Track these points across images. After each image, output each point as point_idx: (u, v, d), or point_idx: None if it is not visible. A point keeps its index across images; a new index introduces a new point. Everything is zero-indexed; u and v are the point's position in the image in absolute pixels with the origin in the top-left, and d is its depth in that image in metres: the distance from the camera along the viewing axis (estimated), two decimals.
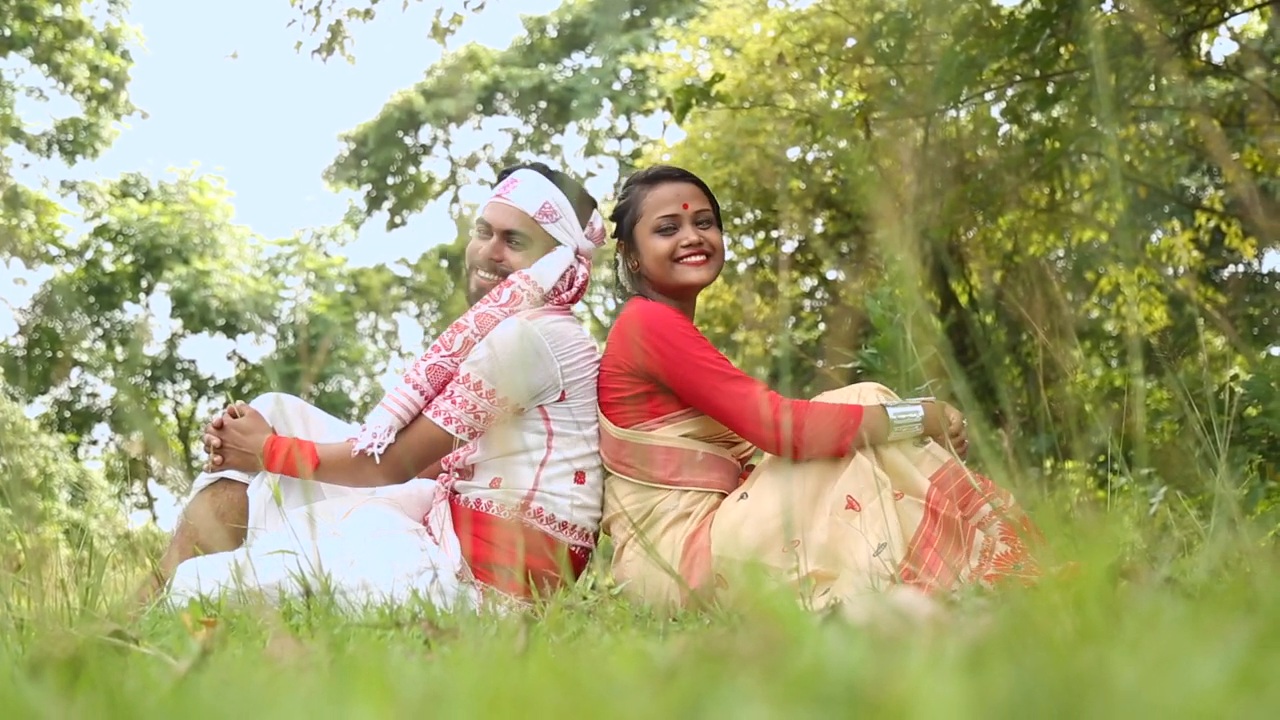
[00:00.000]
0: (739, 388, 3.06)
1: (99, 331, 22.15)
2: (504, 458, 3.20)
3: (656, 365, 3.12)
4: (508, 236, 3.29)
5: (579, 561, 3.29)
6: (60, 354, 21.30)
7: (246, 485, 3.23)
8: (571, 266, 3.32)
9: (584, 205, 3.38)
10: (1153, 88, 7.10)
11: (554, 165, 3.47)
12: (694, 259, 3.26)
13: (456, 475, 3.29)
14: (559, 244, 3.31)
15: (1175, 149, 10.79)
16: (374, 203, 25.74)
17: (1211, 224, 11.12)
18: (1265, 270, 12.92)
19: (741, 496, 2.99)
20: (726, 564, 2.82)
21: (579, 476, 3.24)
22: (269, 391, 3.41)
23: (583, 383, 3.22)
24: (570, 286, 3.32)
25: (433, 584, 2.99)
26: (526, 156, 26.94)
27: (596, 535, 3.32)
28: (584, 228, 3.37)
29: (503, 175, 3.41)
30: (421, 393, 3.18)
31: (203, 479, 3.27)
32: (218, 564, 2.88)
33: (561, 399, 3.19)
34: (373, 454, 3.14)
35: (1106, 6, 6.25)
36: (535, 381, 3.14)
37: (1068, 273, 11.96)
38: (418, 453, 3.16)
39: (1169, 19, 6.02)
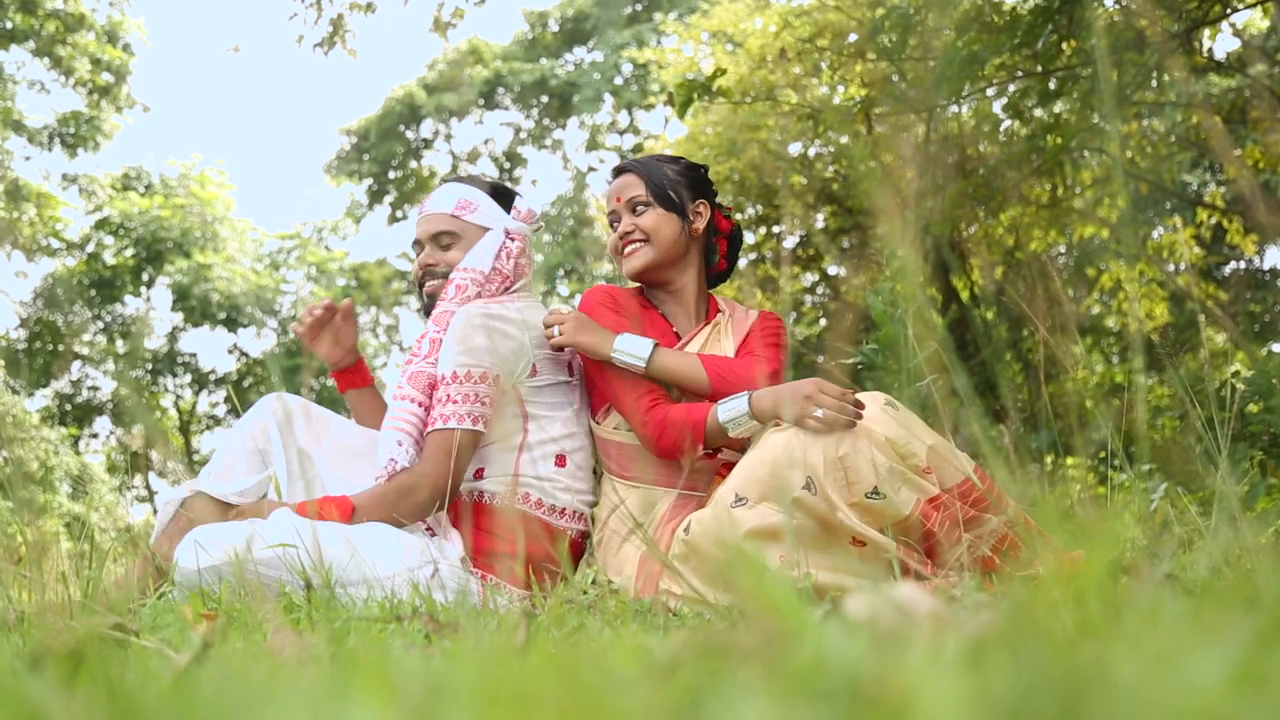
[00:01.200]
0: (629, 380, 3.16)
1: (100, 325, 22.17)
2: (484, 446, 3.23)
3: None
4: (437, 240, 3.41)
5: (578, 548, 3.30)
6: (61, 347, 21.31)
7: (215, 499, 3.16)
8: (504, 245, 3.40)
9: (500, 193, 3.51)
10: (1155, 84, 7.10)
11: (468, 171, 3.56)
12: (629, 248, 3.36)
13: None
14: (487, 230, 3.42)
15: (1177, 145, 10.79)
16: (375, 197, 25.73)
17: (1213, 220, 11.11)
18: (1267, 267, 12.93)
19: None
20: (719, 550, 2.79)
21: (560, 460, 3.26)
22: (271, 391, 3.42)
23: (551, 360, 3.29)
24: (511, 265, 3.41)
25: (433, 577, 3.00)
26: (528, 151, 26.95)
27: (592, 520, 3.33)
28: (509, 212, 3.48)
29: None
30: (415, 402, 3.21)
31: (170, 501, 3.20)
32: (218, 535, 2.86)
33: (534, 373, 3.23)
34: (404, 477, 3.12)
35: (1109, 2, 6.24)
36: (507, 352, 3.19)
37: (1069, 269, 11.95)
38: (448, 464, 3.12)
39: (1171, 15, 6.01)
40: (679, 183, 3.40)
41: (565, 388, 3.30)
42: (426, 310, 3.40)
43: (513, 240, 3.43)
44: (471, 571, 3.10)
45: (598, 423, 3.28)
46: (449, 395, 3.15)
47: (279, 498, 2.98)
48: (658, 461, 3.14)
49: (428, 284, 3.41)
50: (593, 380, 3.28)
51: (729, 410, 2.94)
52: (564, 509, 3.24)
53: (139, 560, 3.07)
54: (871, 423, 2.72)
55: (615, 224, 3.41)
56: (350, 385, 3.66)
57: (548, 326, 3.19)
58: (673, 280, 3.40)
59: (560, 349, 3.26)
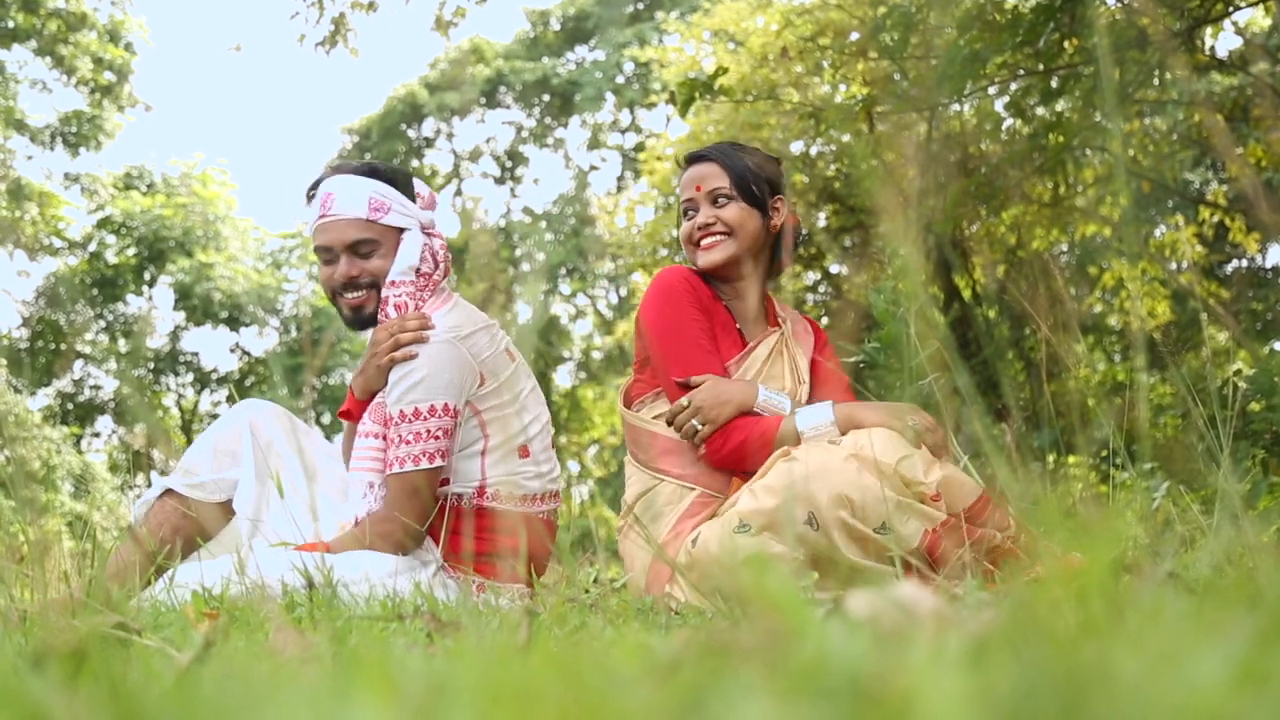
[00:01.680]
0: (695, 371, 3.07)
1: (102, 324, 22.19)
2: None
3: (641, 322, 3.16)
4: (355, 249, 3.17)
5: (552, 528, 3.29)
6: (63, 346, 21.32)
7: (188, 498, 3.15)
8: (426, 244, 3.22)
9: (402, 180, 3.26)
10: (1157, 82, 7.09)
11: (341, 161, 3.38)
12: (707, 240, 3.19)
13: None
14: (403, 229, 3.21)
15: (1179, 144, 10.79)
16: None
17: (1215, 219, 11.11)
18: (1269, 265, 12.91)
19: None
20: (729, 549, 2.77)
21: (523, 451, 3.22)
22: (272, 390, 3.35)
23: (491, 357, 3.18)
24: (436, 265, 3.24)
25: (435, 576, 2.99)
26: (530, 150, 26.94)
27: (558, 494, 3.31)
28: (415, 201, 3.26)
29: (309, 197, 3.28)
30: (378, 437, 3.13)
31: (144, 501, 3.20)
32: (219, 567, 2.86)
33: (481, 383, 3.14)
34: (375, 525, 3.05)
35: (1110, 0, 6.24)
36: (457, 375, 3.09)
37: (1071, 267, 11.95)
38: (415, 505, 3.05)
39: (1173, 13, 6.01)
40: (760, 176, 3.24)
41: (513, 377, 3.22)
42: (351, 324, 3.22)
43: (433, 236, 3.27)
44: (450, 576, 3.08)
45: (634, 410, 3.18)
46: (400, 436, 3.06)
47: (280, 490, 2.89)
48: (690, 459, 3.07)
49: (350, 296, 3.18)
50: (644, 371, 3.19)
51: (811, 422, 2.90)
52: (534, 495, 3.22)
53: (127, 547, 3.09)
54: (884, 454, 2.67)
55: (690, 212, 3.24)
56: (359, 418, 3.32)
57: (679, 429, 2.98)
58: (744, 277, 3.26)
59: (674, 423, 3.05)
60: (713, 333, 3.15)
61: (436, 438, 3.07)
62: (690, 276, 3.19)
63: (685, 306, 3.12)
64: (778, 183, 3.29)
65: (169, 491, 3.16)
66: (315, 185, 3.25)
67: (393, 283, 3.16)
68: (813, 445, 2.80)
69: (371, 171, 3.22)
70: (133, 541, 3.08)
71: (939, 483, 2.69)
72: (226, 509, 3.17)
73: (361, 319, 3.18)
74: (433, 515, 3.08)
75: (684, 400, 2.97)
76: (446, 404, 3.06)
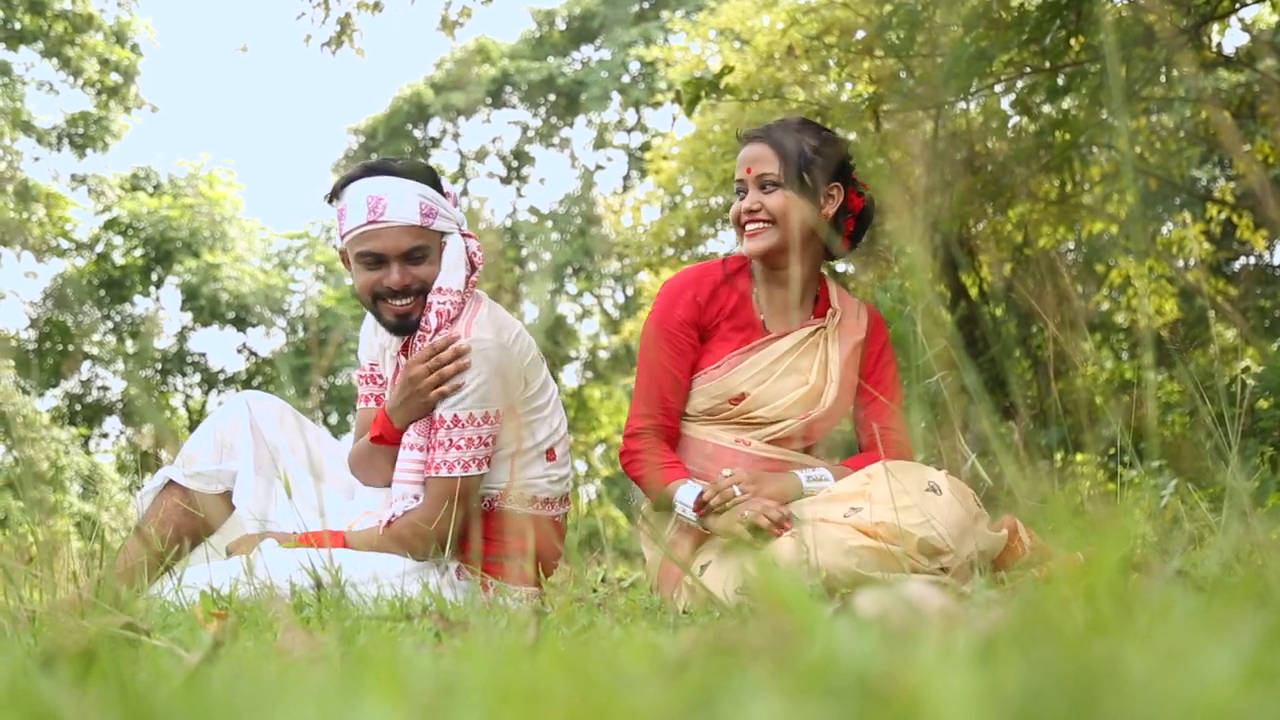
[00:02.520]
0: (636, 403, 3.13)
1: (110, 325, 22.21)
2: None
3: None
4: (408, 256, 3.08)
5: (561, 530, 3.30)
6: (71, 347, 21.34)
7: (189, 490, 3.11)
8: (466, 248, 3.17)
9: (433, 179, 3.16)
10: (1164, 79, 7.09)
11: (384, 159, 3.26)
12: (751, 227, 3.10)
13: None
14: (446, 235, 3.15)
15: (1186, 141, 10.77)
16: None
17: (1223, 216, 11.09)
18: (1277, 262, 12.87)
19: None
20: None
21: (550, 454, 3.23)
22: (280, 390, 3.30)
23: (532, 361, 3.18)
24: (474, 268, 3.19)
25: (443, 576, 2.99)
26: (535, 149, 26.93)
27: (568, 498, 3.33)
28: (449, 200, 3.19)
29: (334, 196, 3.18)
30: (423, 449, 3.10)
31: (147, 492, 3.16)
32: (228, 567, 2.86)
33: (525, 386, 3.15)
34: (403, 529, 3.04)
35: None
36: (515, 386, 3.09)
37: (1078, 265, 11.93)
38: (447, 509, 3.02)
39: (1180, 10, 5.99)
40: (815, 162, 3.09)
41: (545, 384, 3.24)
42: (394, 330, 3.15)
43: (468, 238, 3.21)
44: (466, 577, 3.07)
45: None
46: (452, 440, 3.04)
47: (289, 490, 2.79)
48: (695, 456, 3.10)
49: (398, 303, 3.09)
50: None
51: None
52: (550, 499, 3.23)
53: (134, 545, 3.05)
54: (911, 525, 2.59)
55: (741, 194, 3.13)
56: (396, 442, 3.17)
57: (722, 510, 2.86)
58: (785, 266, 3.16)
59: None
60: (692, 357, 3.13)
61: (485, 444, 3.06)
62: (692, 287, 3.15)
63: (662, 345, 3.11)
64: (840, 169, 3.15)
65: (171, 483, 3.13)
66: (346, 183, 3.15)
67: (439, 289, 3.10)
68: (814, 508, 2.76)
69: (411, 172, 3.12)
70: (140, 541, 3.04)
71: (960, 539, 2.61)
72: (228, 500, 3.14)
73: (407, 325, 3.11)
74: (457, 519, 3.03)
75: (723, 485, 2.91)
76: (498, 411, 3.07)
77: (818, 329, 3.15)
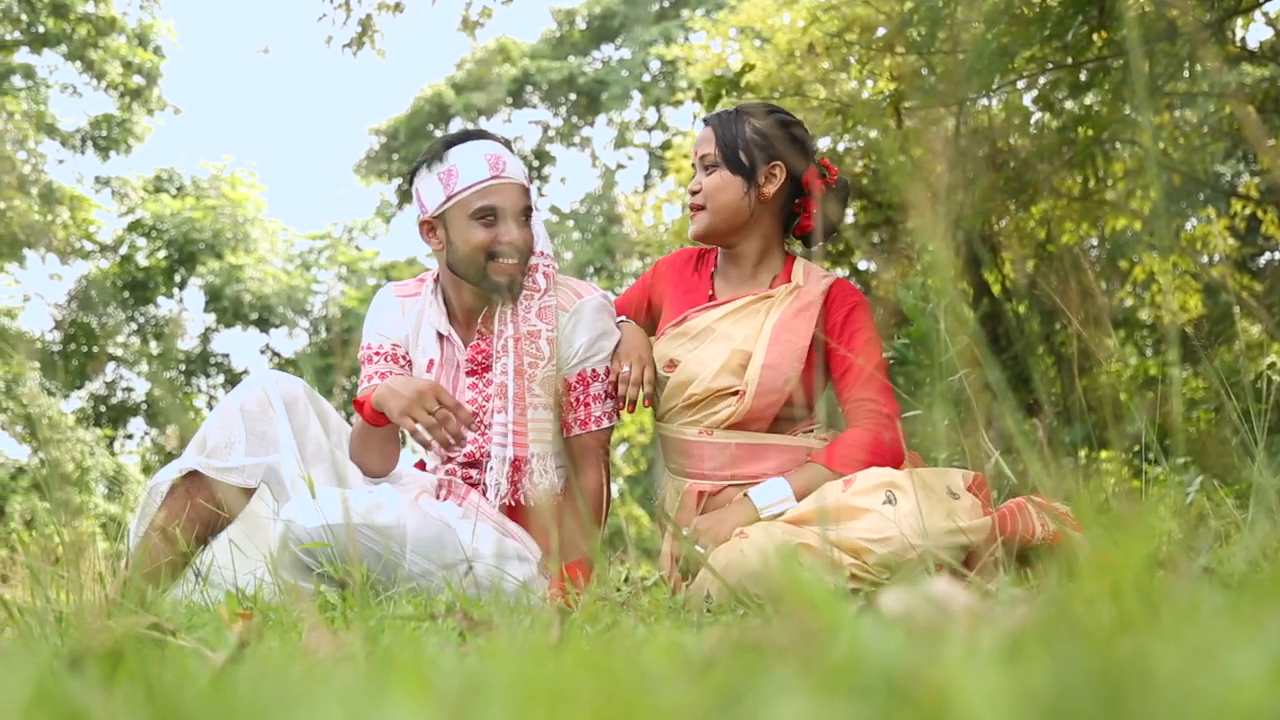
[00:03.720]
0: None
1: (134, 326, 22.30)
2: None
3: None
4: (524, 214, 3.11)
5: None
6: (96, 349, 21.45)
7: (212, 480, 2.92)
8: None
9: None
10: (1187, 74, 7.05)
11: (467, 129, 3.26)
12: (692, 209, 3.22)
13: (471, 469, 3.22)
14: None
15: (1210, 136, 10.71)
16: (405, 196, 25.77)
17: (1247, 211, 11.02)
18: None
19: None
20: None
21: None
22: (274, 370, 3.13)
23: None
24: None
25: (467, 575, 2.98)
26: (556, 149, 26.95)
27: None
28: None
29: (431, 161, 3.13)
30: (548, 409, 3.10)
31: (156, 486, 2.99)
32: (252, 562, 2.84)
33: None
34: (591, 499, 3.10)
35: None
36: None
37: (1102, 261, 11.88)
38: (606, 460, 3.16)
39: (1203, 5, 5.97)
40: (755, 142, 3.14)
41: None
42: (499, 291, 3.10)
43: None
44: (545, 573, 3.04)
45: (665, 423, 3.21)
46: (601, 394, 3.16)
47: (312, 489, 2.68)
48: (672, 454, 3.16)
49: (509, 262, 3.07)
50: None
51: (768, 500, 2.88)
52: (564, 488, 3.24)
53: (157, 546, 2.88)
54: (869, 543, 2.56)
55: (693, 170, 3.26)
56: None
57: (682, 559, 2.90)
58: (734, 244, 3.22)
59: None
60: (645, 308, 3.35)
61: (611, 396, 3.21)
62: (670, 259, 3.38)
63: (632, 301, 3.38)
64: (784, 148, 3.17)
65: (193, 473, 2.95)
66: (447, 146, 3.13)
67: (540, 253, 3.17)
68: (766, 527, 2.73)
69: (504, 141, 3.17)
70: (165, 541, 2.88)
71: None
72: (248, 490, 2.98)
73: (513, 286, 3.11)
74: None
75: (685, 530, 2.94)
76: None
77: (763, 298, 3.16)
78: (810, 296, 3.15)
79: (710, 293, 3.24)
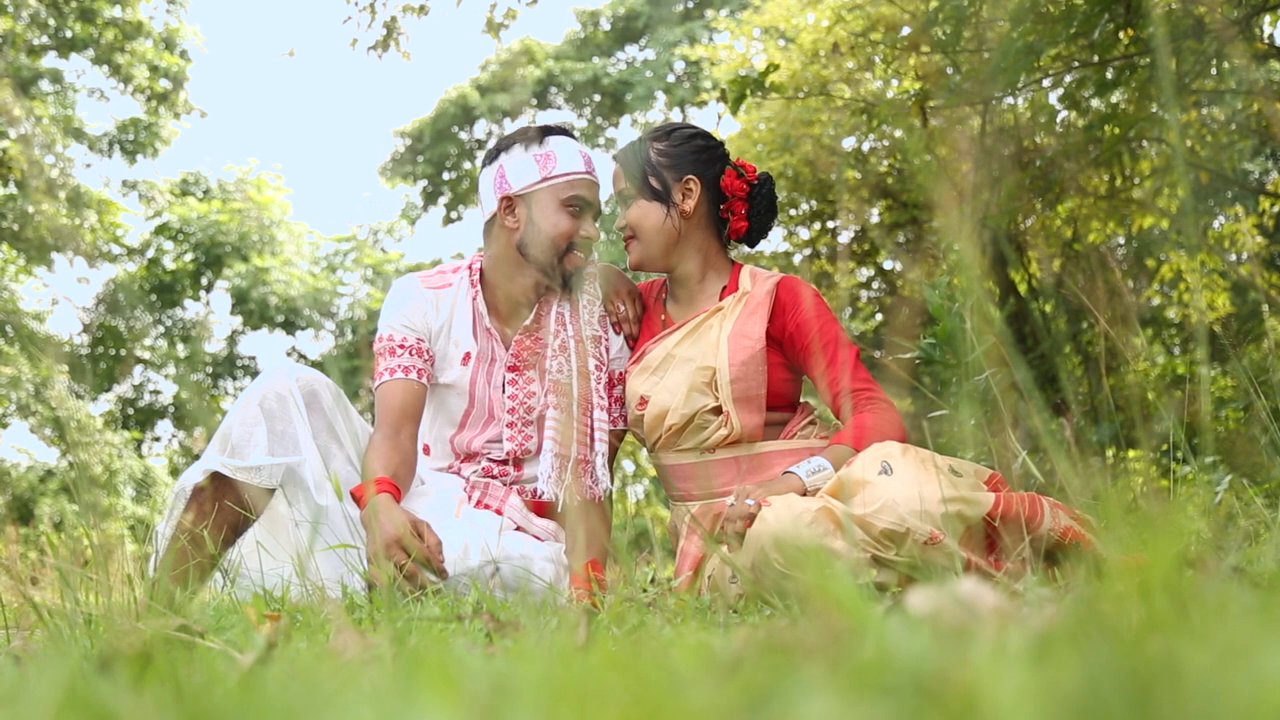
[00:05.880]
0: None
1: (161, 329, 22.40)
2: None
3: None
4: (597, 217, 3.26)
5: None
6: (123, 352, 21.55)
7: (235, 482, 2.88)
8: None
9: None
10: (1214, 71, 7.01)
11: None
12: (627, 243, 3.29)
13: (509, 466, 3.23)
14: None
15: (1238, 133, 10.64)
16: (430, 198, 25.87)
17: (1276, 209, 10.95)
18: None
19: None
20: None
21: None
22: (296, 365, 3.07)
23: None
24: None
25: (494, 577, 2.97)
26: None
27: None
28: None
29: (529, 142, 3.20)
30: (607, 410, 3.20)
31: (181, 491, 2.96)
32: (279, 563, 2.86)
33: None
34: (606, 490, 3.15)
35: None
36: None
37: (1129, 260, 11.83)
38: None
39: (1230, 2, 5.93)
40: (660, 164, 3.20)
41: None
42: (561, 283, 3.20)
43: None
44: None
45: (655, 452, 3.20)
46: (622, 394, 3.29)
47: (339, 493, 2.64)
48: (677, 481, 3.15)
49: (581, 256, 3.22)
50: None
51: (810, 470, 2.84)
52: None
53: (183, 549, 2.85)
54: (873, 515, 2.48)
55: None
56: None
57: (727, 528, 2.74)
58: (674, 267, 3.26)
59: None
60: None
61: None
62: (643, 286, 3.44)
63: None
64: (691, 162, 3.22)
65: (216, 474, 2.91)
66: (545, 133, 3.24)
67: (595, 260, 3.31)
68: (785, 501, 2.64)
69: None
70: (192, 544, 2.84)
71: (941, 519, 2.52)
72: (267, 489, 2.95)
73: (575, 281, 3.23)
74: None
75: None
76: None
77: (714, 312, 3.17)
78: (758, 298, 3.16)
79: (664, 318, 3.29)
